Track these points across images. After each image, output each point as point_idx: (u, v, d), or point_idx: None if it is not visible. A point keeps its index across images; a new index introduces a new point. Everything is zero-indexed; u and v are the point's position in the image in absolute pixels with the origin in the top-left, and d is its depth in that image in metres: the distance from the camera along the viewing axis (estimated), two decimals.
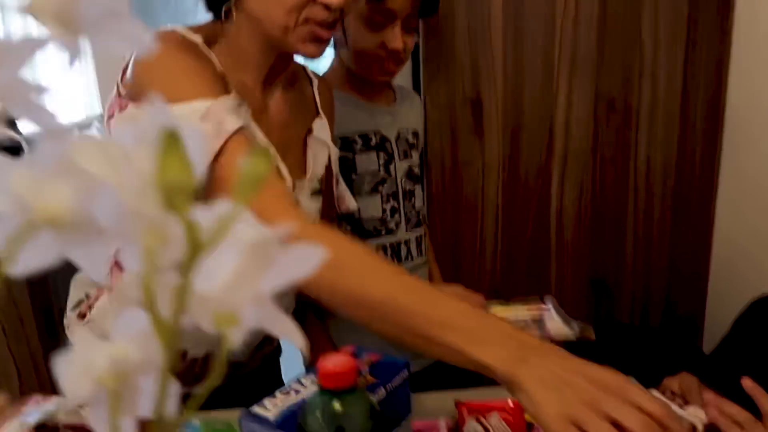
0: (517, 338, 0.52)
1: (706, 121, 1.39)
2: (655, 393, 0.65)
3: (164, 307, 0.23)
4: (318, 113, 0.89)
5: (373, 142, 1.08)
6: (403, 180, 1.11)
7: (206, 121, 0.63)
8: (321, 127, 0.88)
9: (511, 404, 0.75)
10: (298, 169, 0.83)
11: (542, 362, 0.49)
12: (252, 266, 0.24)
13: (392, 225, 1.09)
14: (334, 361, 0.47)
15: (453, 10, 1.28)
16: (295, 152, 0.83)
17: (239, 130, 0.65)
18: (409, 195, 1.11)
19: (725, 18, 1.34)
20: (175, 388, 0.26)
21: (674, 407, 0.62)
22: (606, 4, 1.33)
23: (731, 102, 1.37)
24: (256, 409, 0.69)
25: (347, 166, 1.07)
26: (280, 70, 0.80)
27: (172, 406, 0.26)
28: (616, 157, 1.40)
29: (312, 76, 0.92)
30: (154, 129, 0.23)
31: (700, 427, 0.59)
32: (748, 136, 1.34)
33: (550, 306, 0.82)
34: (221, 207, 0.23)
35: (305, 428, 0.48)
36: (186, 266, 0.22)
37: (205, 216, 0.23)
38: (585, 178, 1.40)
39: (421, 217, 1.13)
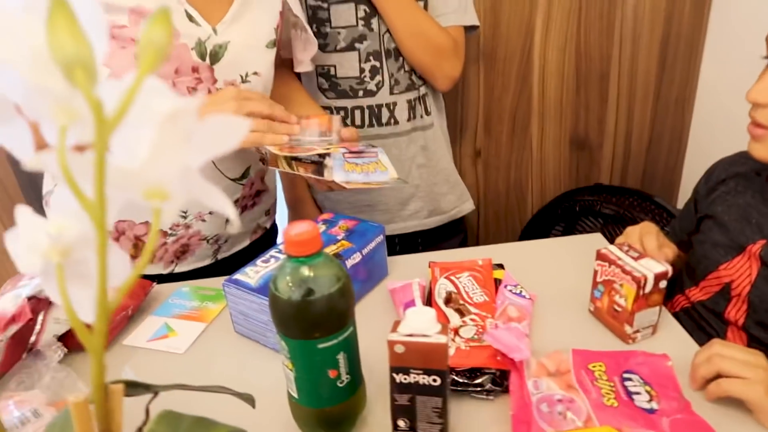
0: None
1: None
2: (612, 247, 0.68)
3: (88, 183, 0.23)
4: None
5: None
6: (386, 37, 1.04)
7: None
8: None
9: (480, 263, 0.78)
10: (222, 13, 0.80)
11: None
12: (171, 139, 0.24)
13: (372, 86, 1.05)
14: (298, 230, 0.49)
15: None
16: None
17: None
18: (394, 54, 1.05)
19: None
20: (121, 258, 0.27)
21: (627, 259, 0.66)
22: None
23: None
24: (238, 276, 0.72)
25: (321, 18, 1.01)
26: None
27: (120, 274, 0.27)
28: (603, 6, 1.33)
29: None
30: None
31: (650, 278, 0.63)
32: None
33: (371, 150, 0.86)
34: (127, 79, 0.23)
35: (276, 292, 0.50)
36: (97, 143, 0.22)
37: (113, 88, 0.23)
38: (569, 30, 1.34)
39: (415, 78, 1.07)
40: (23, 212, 0.27)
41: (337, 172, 0.76)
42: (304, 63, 0.97)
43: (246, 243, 1.00)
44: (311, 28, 0.99)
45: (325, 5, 1.00)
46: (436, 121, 1.13)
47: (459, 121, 1.41)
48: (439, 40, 1.02)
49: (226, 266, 0.94)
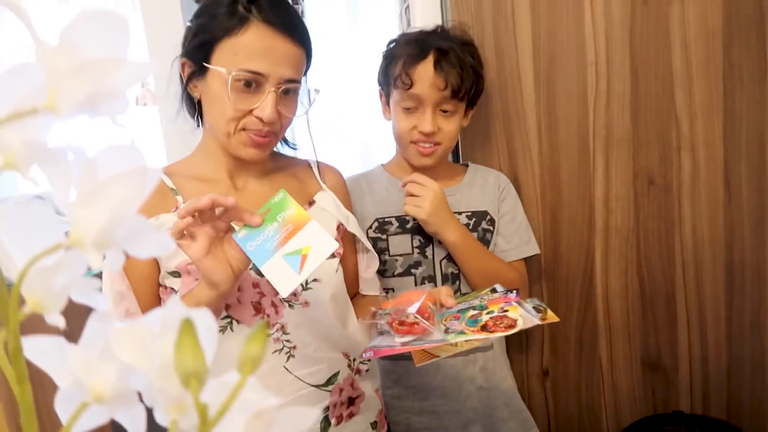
0: None
1: (752, 193, 1.36)
2: None
3: None
4: (321, 188, 0.99)
5: (410, 224, 1.13)
6: (443, 263, 1.13)
7: None
8: (324, 199, 0.97)
9: None
10: None
11: None
12: (256, 429, 0.29)
13: None
14: None
15: (486, 90, 1.30)
16: None
17: None
18: (451, 278, 1.13)
19: (763, 88, 1.34)
20: None
21: None
22: (638, 80, 1.36)
23: None
24: None
25: (381, 248, 1.12)
26: (248, 164, 0.91)
27: None
28: (660, 233, 1.39)
29: (311, 162, 1.02)
30: (176, 319, 0.28)
31: None
32: None
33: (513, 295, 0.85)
34: (229, 378, 0.29)
35: None
36: None
37: (216, 386, 0.28)
38: (629, 254, 1.39)
39: None
40: None
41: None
42: (368, 282, 1.05)
43: None
44: None
45: (384, 237, 1.13)
46: (495, 342, 1.16)
47: (524, 338, 1.42)
48: (507, 277, 1.11)
49: None
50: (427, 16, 1.34)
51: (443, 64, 1.05)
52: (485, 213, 1.17)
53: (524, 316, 0.79)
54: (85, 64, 0.26)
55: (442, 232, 1.08)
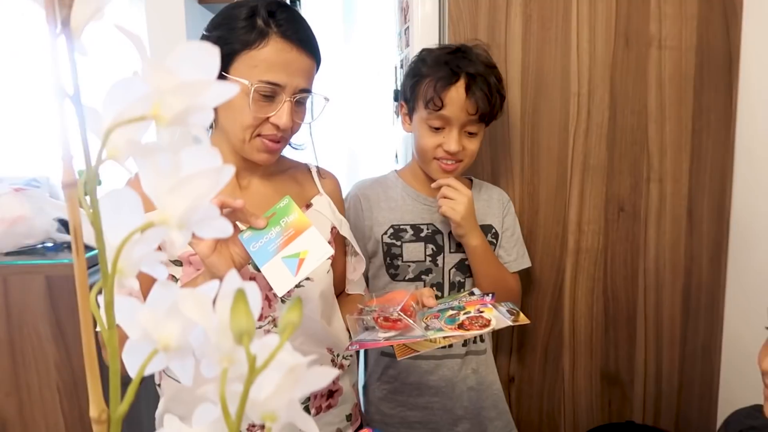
0: None
1: (712, 226, 1.48)
2: None
3: (230, 406, 0.35)
4: (319, 192, 1.05)
5: (424, 233, 1.19)
6: (452, 272, 1.21)
7: None
8: (321, 203, 1.04)
9: None
10: None
11: None
12: (288, 382, 0.36)
13: None
14: None
15: None
16: None
17: None
18: (458, 287, 1.21)
19: (728, 131, 1.46)
20: None
21: None
22: (615, 114, 1.46)
23: (736, 210, 1.46)
24: None
25: (395, 254, 1.19)
26: (254, 165, 0.97)
27: None
28: (626, 256, 1.49)
29: (311, 166, 1.09)
30: (231, 289, 0.35)
31: None
32: (752, 241, 1.42)
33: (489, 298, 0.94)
34: (270, 340, 0.36)
35: None
36: (246, 383, 0.34)
37: (259, 345, 0.36)
38: (597, 274, 1.49)
39: None
40: (171, 419, 0.39)
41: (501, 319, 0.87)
42: (354, 283, 1.11)
43: None
44: (385, 261, 1.16)
45: (399, 243, 1.19)
46: (489, 348, 1.24)
47: (494, 346, 1.51)
48: (510, 285, 1.20)
49: None
50: (425, 39, 1.43)
51: (474, 89, 1.10)
52: (490, 227, 1.25)
53: (498, 317, 0.87)
54: (183, 84, 0.33)
55: (468, 236, 1.14)
